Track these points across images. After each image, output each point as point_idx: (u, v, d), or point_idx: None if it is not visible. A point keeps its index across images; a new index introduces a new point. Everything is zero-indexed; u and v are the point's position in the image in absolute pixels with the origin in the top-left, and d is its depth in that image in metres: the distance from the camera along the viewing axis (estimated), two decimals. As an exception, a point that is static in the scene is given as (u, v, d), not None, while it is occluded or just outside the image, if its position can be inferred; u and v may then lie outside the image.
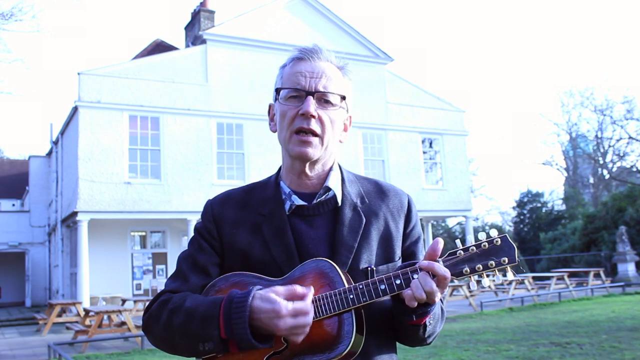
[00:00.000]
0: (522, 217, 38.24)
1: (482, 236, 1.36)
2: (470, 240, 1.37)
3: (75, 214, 16.30)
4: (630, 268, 21.57)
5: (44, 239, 24.61)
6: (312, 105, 1.41)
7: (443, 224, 40.08)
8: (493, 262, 1.33)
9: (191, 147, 17.66)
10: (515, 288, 17.35)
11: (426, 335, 1.45)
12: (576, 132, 40.51)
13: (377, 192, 1.56)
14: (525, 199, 37.98)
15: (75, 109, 16.80)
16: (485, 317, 13.21)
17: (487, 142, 57.61)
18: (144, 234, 19.65)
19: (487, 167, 61.68)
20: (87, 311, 12.86)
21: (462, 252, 1.36)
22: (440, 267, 1.30)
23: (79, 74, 16.59)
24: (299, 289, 1.29)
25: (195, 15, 20.51)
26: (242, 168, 18.44)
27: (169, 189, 17.26)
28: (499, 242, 1.35)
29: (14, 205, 30.17)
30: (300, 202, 1.47)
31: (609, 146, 37.83)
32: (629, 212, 26.34)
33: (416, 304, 1.30)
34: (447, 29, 78.26)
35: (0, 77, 46.29)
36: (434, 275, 1.29)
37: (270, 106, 1.57)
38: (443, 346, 8.75)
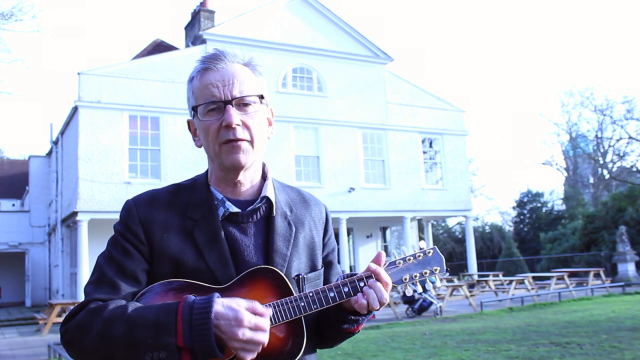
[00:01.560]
0: (522, 217, 38.24)
1: (414, 248, 1.49)
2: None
3: (75, 214, 16.30)
4: (630, 268, 21.58)
5: (44, 239, 24.61)
6: (233, 114, 1.37)
7: (443, 224, 40.07)
8: (427, 271, 1.46)
9: (191, 147, 17.63)
10: (515, 288, 17.35)
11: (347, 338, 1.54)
12: (576, 132, 40.54)
13: (301, 201, 1.57)
14: (525, 199, 37.98)
15: (75, 109, 16.81)
16: (485, 317, 13.21)
17: (487, 142, 57.65)
18: (144, 234, 19.65)
19: (487, 167, 61.67)
20: (87, 311, 12.84)
21: (400, 261, 1.47)
22: (385, 274, 1.39)
23: (79, 74, 16.60)
24: (259, 306, 1.25)
25: (195, 15, 20.51)
26: (242, 168, 18.43)
27: (169, 189, 17.25)
28: (431, 252, 1.48)
29: (14, 205, 30.17)
30: (235, 209, 1.43)
31: (609, 146, 37.85)
32: (629, 212, 26.35)
33: (365, 311, 1.37)
34: (447, 29, 78.31)
35: (0, 77, 46.32)
36: (377, 280, 1.37)
37: (189, 122, 1.51)
38: (443, 346, 8.75)
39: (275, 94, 18.64)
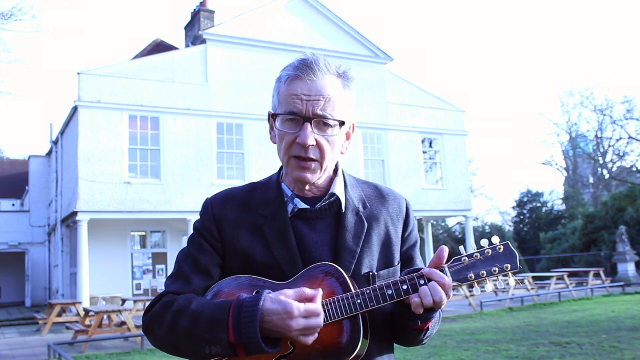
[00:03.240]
0: (522, 217, 38.23)
1: (484, 243, 1.40)
2: (470, 241, 1.41)
3: (75, 214, 16.30)
4: (630, 268, 21.58)
5: (44, 239, 24.61)
6: (309, 134, 1.37)
7: (443, 224, 40.05)
8: (497, 269, 1.38)
9: (191, 147, 17.66)
10: (515, 288, 17.34)
11: (425, 337, 1.49)
12: (576, 132, 40.53)
13: (378, 196, 1.56)
14: (525, 199, 37.97)
15: (75, 109, 16.81)
16: (485, 317, 13.21)
17: (487, 142, 57.65)
18: (144, 234, 19.65)
19: (487, 167, 61.65)
20: (87, 311, 12.86)
21: (466, 258, 1.40)
22: (439, 274, 1.33)
23: (78, 74, 16.59)
24: (308, 291, 1.29)
25: (195, 15, 20.51)
26: (242, 168, 18.44)
27: (168, 189, 17.26)
28: (502, 249, 1.39)
29: (14, 205, 30.16)
30: (304, 206, 1.45)
31: (609, 146, 37.84)
32: (629, 212, 26.35)
33: (422, 311, 1.33)
34: (447, 29, 78.30)
35: (0, 77, 46.28)
36: (431, 280, 1.33)
37: (269, 115, 1.51)
38: (443, 346, 8.75)
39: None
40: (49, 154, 24.27)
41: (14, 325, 16.83)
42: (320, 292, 1.30)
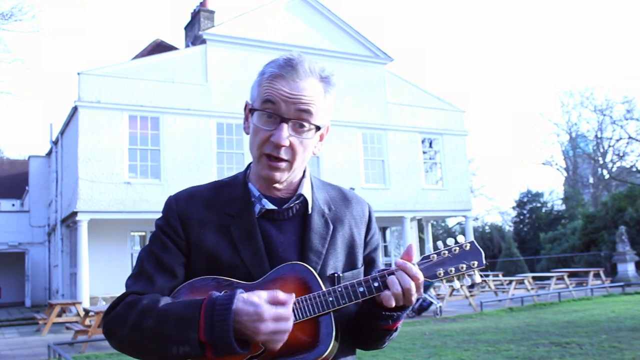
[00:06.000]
0: (522, 217, 38.25)
1: (450, 242, 1.43)
2: (440, 245, 1.43)
3: (75, 214, 16.30)
4: (630, 268, 21.59)
5: (44, 239, 24.60)
6: (284, 135, 1.36)
7: (443, 224, 40.08)
8: (464, 265, 1.41)
9: (191, 147, 17.66)
10: (515, 288, 17.35)
11: (390, 339, 1.50)
12: (576, 132, 40.54)
13: (342, 199, 1.56)
14: (525, 199, 37.99)
15: (75, 109, 16.80)
16: (485, 317, 13.21)
17: (487, 142, 57.66)
18: (144, 234, 19.64)
19: (487, 167, 61.69)
20: (87, 311, 12.86)
21: (435, 256, 1.42)
22: (412, 267, 1.34)
23: (78, 74, 16.59)
24: (281, 294, 1.27)
25: (195, 15, 20.51)
26: (241, 168, 18.14)
27: (169, 189, 17.24)
28: (468, 246, 1.42)
29: (13, 205, 30.16)
30: (271, 206, 1.44)
31: (609, 146, 37.85)
32: (628, 212, 26.36)
33: (394, 303, 1.33)
34: (447, 29, 78.30)
35: (0, 77, 46.28)
36: (406, 274, 1.34)
37: (246, 104, 1.49)
38: (443, 346, 8.75)
39: (275, 94, 18.54)
40: (49, 154, 24.26)
41: (13, 325, 16.83)
42: (293, 297, 1.29)
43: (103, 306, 14.47)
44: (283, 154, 1.39)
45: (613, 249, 24.12)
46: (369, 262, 1.56)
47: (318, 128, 1.44)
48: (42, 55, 65.53)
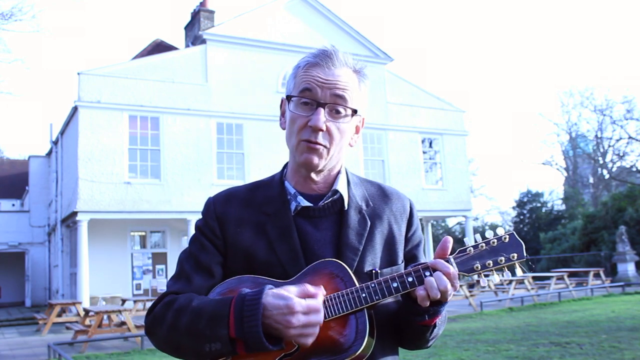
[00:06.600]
0: (522, 217, 38.24)
1: (489, 234, 1.39)
2: (470, 240, 1.39)
3: (75, 214, 16.30)
4: (630, 268, 21.58)
5: (44, 239, 24.61)
6: (321, 119, 1.38)
7: (443, 224, 40.06)
8: (502, 258, 1.37)
9: (191, 147, 17.66)
10: (515, 288, 17.35)
11: (431, 337, 1.46)
12: (576, 132, 40.53)
13: (381, 195, 1.55)
14: (525, 199, 37.98)
15: (75, 109, 16.81)
16: (485, 317, 13.21)
17: (487, 142, 57.68)
18: (143, 234, 19.65)
19: (487, 167, 61.69)
20: (87, 311, 12.86)
21: (471, 249, 1.38)
22: (444, 264, 1.31)
23: (78, 74, 16.59)
24: (310, 287, 1.27)
25: (195, 15, 20.51)
26: (242, 168, 18.44)
27: (168, 189, 17.26)
28: (507, 239, 1.38)
29: (13, 205, 30.16)
30: (306, 203, 1.44)
31: (609, 146, 37.84)
32: (628, 212, 26.35)
33: (429, 303, 1.31)
34: (447, 29, 78.30)
35: (0, 77, 46.28)
36: (437, 270, 1.31)
37: (282, 100, 1.51)
38: (443, 346, 8.75)
39: (275, 94, 18.61)
40: (49, 154, 24.27)
41: (13, 325, 16.83)
42: (322, 289, 1.29)
43: (103, 306, 14.49)
44: (320, 139, 1.39)
45: (613, 249, 24.12)
46: (410, 258, 1.53)
47: (354, 112, 1.46)
48: (42, 55, 65.58)
